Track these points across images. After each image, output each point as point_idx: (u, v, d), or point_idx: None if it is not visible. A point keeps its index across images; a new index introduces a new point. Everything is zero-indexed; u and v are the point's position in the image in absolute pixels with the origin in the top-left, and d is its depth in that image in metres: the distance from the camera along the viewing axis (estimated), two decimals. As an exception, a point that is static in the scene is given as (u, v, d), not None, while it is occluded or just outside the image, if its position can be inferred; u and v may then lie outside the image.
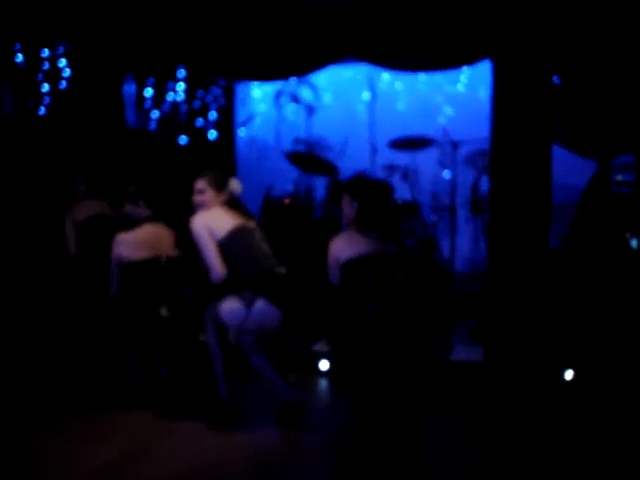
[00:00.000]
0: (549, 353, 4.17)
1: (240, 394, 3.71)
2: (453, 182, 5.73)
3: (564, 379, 4.15)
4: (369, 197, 3.64)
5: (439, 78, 7.06)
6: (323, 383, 4.41)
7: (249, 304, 3.51)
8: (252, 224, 3.70)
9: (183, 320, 3.95)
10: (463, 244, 6.74)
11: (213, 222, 3.57)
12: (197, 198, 3.67)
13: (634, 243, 4.60)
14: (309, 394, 3.99)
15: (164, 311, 3.83)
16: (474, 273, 6.42)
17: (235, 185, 3.73)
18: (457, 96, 7.15)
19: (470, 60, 4.50)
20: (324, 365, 4.44)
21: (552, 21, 4.08)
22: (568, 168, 5.42)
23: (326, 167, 5.97)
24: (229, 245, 3.53)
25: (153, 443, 3.46)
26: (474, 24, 4.20)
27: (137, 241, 3.89)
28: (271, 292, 3.53)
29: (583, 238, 4.73)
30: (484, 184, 5.24)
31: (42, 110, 5.21)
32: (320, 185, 6.35)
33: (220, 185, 3.68)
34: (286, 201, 5.93)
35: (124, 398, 3.97)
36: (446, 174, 6.37)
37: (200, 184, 3.68)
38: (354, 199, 3.64)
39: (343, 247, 3.56)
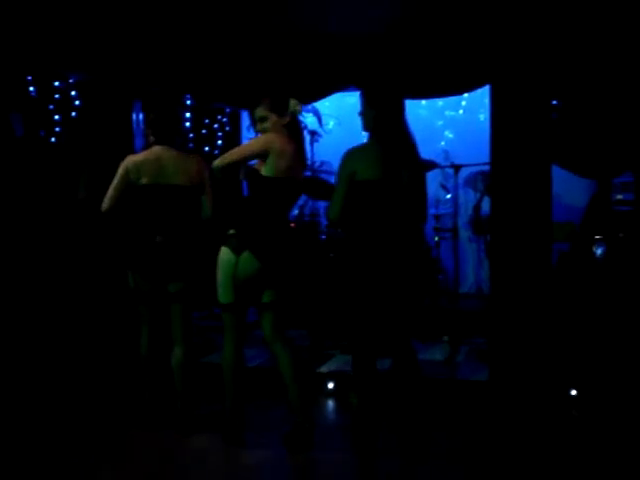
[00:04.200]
0: (554, 371, 4.21)
1: (249, 414, 3.72)
2: (454, 204, 5.82)
3: (569, 396, 4.18)
4: (387, 103, 3.47)
5: (440, 103, 7.21)
6: (331, 404, 4.44)
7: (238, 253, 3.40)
8: (301, 175, 3.58)
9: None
10: (466, 264, 6.82)
11: (274, 154, 3.39)
12: (259, 127, 3.51)
13: (599, 251, 4.65)
14: (317, 415, 4.01)
15: (159, 238, 3.68)
16: (478, 293, 6.49)
17: (296, 105, 3.54)
18: (457, 120, 7.28)
19: (470, 87, 4.62)
20: (331, 385, 4.51)
21: (549, 46, 4.20)
22: (569, 188, 5.52)
23: (330, 191, 6.06)
24: (271, 191, 3.43)
25: (160, 466, 3.44)
26: (473, 52, 4.33)
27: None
28: (257, 247, 3.40)
29: (585, 255, 4.80)
30: (485, 205, 5.33)
31: (53, 139, 5.36)
32: (325, 209, 6.45)
33: (282, 108, 3.50)
34: (291, 225, 6.02)
35: (133, 418, 3.97)
36: (447, 196, 6.48)
37: (261, 111, 3.50)
38: (371, 106, 3.50)
39: (360, 162, 3.41)
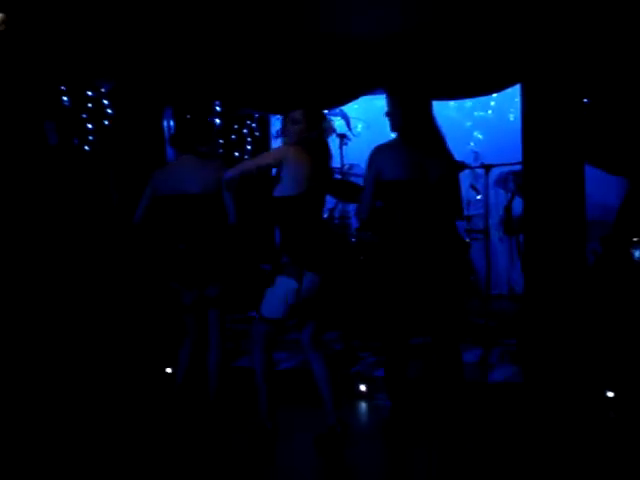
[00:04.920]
0: (590, 372, 4.15)
1: (281, 416, 3.71)
2: (485, 204, 5.78)
3: (606, 398, 4.11)
4: (414, 103, 3.45)
5: (469, 103, 7.16)
6: (362, 406, 4.44)
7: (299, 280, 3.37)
8: (323, 189, 3.54)
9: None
10: (498, 265, 6.76)
11: (289, 165, 3.36)
12: (287, 127, 3.50)
13: (638, 253, 4.56)
14: (349, 416, 4.01)
15: (182, 245, 3.77)
16: (510, 294, 6.43)
17: (329, 124, 3.54)
18: (487, 120, 7.23)
19: (501, 87, 4.58)
20: (363, 387, 4.50)
21: (580, 44, 4.15)
22: (600, 186, 5.44)
23: (360, 194, 6.05)
24: (299, 210, 3.42)
25: (190, 466, 3.46)
26: (504, 51, 4.29)
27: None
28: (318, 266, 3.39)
29: (617, 255, 4.72)
30: (517, 205, 5.28)
31: (86, 147, 5.46)
32: (354, 211, 6.44)
33: (316, 120, 3.49)
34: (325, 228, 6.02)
35: (164, 420, 4.03)
36: (478, 197, 6.43)
37: (296, 113, 3.49)
38: (398, 105, 3.48)
39: (386, 161, 3.43)
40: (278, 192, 3.42)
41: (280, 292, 3.41)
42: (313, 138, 3.49)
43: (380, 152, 3.49)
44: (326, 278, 3.44)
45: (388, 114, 3.56)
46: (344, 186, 5.89)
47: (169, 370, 4.97)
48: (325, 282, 3.45)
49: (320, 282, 3.42)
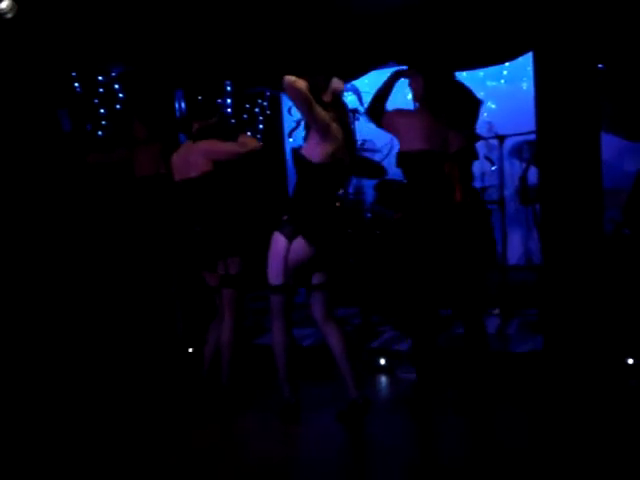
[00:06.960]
0: (610, 340, 4.14)
1: (302, 392, 3.77)
2: (500, 175, 5.74)
3: (627, 365, 4.11)
4: (433, 70, 3.48)
5: (481, 73, 7.07)
6: (383, 379, 4.47)
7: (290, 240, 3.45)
8: (347, 157, 3.57)
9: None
10: (514, 236, 6.71)
11: (325, 135, 3.40)
12: None
13: None
14: (369, 390, 4.04)
15: (198, 227, 3.91)
16: (527, 264, 6.40)
17: (337, 83, 3.56)
18: (499, 90, 7.14)
19: (512, 55, 4.51)
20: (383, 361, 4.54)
21: (592, 7, 4.07)
22: (617, 153, 5.38)
23: (374, 169, 6.05)
24: (321, 177, 3.47)
25: (215, 443, 3.51)
26: (514, 19, 4.21)
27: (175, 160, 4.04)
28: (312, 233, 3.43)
29: (636, 223, 4.68)
30: (532, 175, 5.23)
31: (99, 133, 5.48)
32: (369, 187, 6.43)
33: (320, 87, 3.51)
34: (336, 204, 6.01)
35: (184, 397, 4.13)
36: (493, 168, 6.37)
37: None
38: (417, 73, 3.51)
39: (407, 127, 3.47)
40: (304, 151, 3.46)
41: (273, 249, 3.49)
42: (332, 103, 3.51)
43: (403, 114, 3.54)
44: (318, 249, 3.46)
45: (410, 84, 3.54)
46: (357, 162, 5.87)
47: (191, 350, 5.04)
48: (318, 254, 3.47)
49: (310, 251, 3.44)
